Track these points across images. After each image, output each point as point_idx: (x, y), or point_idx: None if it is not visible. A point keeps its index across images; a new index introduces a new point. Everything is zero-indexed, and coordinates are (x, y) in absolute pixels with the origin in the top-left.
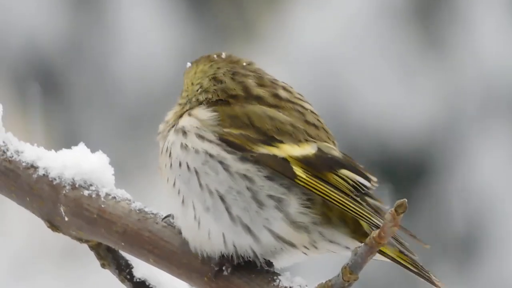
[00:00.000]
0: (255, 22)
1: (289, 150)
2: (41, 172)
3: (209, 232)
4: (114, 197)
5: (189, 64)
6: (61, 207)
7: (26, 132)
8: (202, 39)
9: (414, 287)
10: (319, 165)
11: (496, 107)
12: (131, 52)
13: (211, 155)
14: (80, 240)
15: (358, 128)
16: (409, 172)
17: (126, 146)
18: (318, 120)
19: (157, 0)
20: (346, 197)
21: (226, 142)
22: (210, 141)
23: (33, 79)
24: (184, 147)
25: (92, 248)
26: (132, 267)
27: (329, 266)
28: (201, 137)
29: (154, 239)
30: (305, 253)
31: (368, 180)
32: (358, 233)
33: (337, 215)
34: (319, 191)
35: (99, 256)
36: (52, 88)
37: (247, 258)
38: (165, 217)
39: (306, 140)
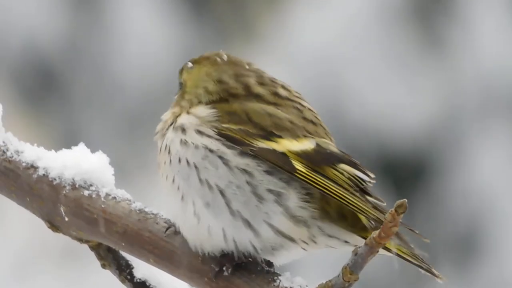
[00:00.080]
0: (255, 22)
1: (288, 145)
2: (41, 172)
3: (209, 227)
4: (114, 197)
5: (190, 64)
6: (61, 207)
7: (26, 132)
8: (202, 39)
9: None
10: (318, 160)
11: (496, 107)
12: (131, 52)
13: (210, 150)
14: (80, 240)
15: (358, 128)
16: (409, 172)
17: (126, 146)
18: (316, 117)
19: (158, 0)
20: (345, 191)
21: (226, 137)
22: (209, 136)
23: (33, 79)
24: (184, 143)
25: (92, 248)
26: (133, 268)
27: (330, 266)
28: (200, 132)
29: (154, 239)
30: (304, 249)
31: (367, 175)
32: (357, 227)
33: (336, 209)
34: (318, 185)
35: (100, 257)
36: (52, 88)
37: (247, 253)
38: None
39: (305, 136)
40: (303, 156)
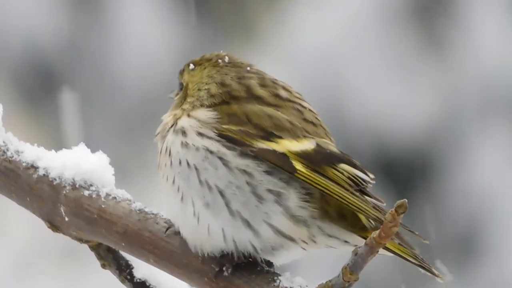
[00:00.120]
0: (255, 22)
1: (288, 145)
2: (41, 172)
3: (208, 228)
4: (115, 197)
5: (191, 65)
6: (61, 207)
7: (26, 132)
8: (202, 39)
9: (413, 287)
10: (318, 160)
11: (496, 107)
12: (131, 52)
13: (211, 151)
14: (81, 240)
15: (357, 127)
16: (409, 172)
17: (127, 146)
18: (316, 118)
19: (157, 0)
20: (345, 191)
21: (226, 138)
22: (210, 138)
23: (33, 79)
24: (185, 145)
25: (92, 248)
26: (133, 268)
27: (329, 267)
28: (200, 134)
29: (154, 239)
30: (304, 248)
31: (366, 175)
32: (357, 226)
33: (336, 209)
34: (318, 185)
35: (100, 257)
36: (52, 88)
37: (247, 253)
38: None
39: (305, 136)
40: (303, 156)
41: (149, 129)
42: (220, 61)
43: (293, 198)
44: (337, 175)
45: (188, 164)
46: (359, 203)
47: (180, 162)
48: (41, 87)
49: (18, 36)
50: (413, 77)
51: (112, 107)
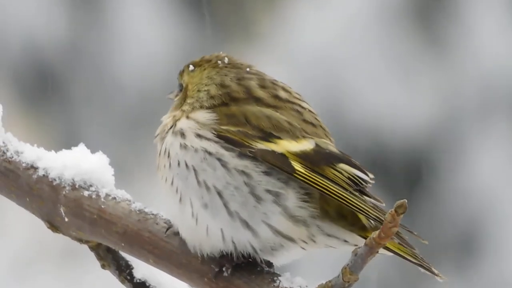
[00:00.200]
0: (255, 22)
1: (287, 145)
2: (41, 172)
3: (207, 228)
4: (114, 198)
5: (191, 66)
6: (61, 208)
7: (26, 132)
8: (202, 39)
9: (413, 287)
10: (317, 160)
11: (496, 107)
12: (131, 52)
13: (209, 153)
14: (80, 240)
15: (357, 127)
16: (408, 172)
17: (126, 146)
18: (315, 118)
19: (157, 0)
20: (344, 191)
21: (224, 139)
22: (208, 139)
23: (33, 80)
24: (183, 146)
25: (92, 248)
26: (132, 268)
27: (329, 267)
28: (199, 136)
29: (154, 239)
30: (303, 248)
31: (366, 175)
32: (356, 226)
33: (335, 209)
34: (317, 185)
35: (99, 257)
36: (52, 89)
37: (247, 254)
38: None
39: (304, 137)
40: (302, 156)
41: (149, 129)
42: (219, 62)
43: (291, 198)
44: (336, 175)
45: (186, 165)
46: (358, 203)
47: (178, 164)
48: (41, 87)
49: (18, 36)
50: (413, 77)
51: (112, 108)
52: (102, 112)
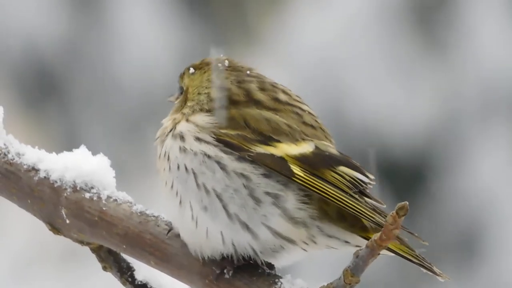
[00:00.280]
0: (255, 24)
1: (286, 149)
2: (42, 174)
3: (207, 231)
4: (115, 200)
5: (192, 69)
6: (62, 210)
7: (27, 134)
8: (202, 41)
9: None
10: (317, 163)
11: (496, 109)
12: (132, 54)
13: (208, 156)
14: (81, 242)
15: (357, 129)
16: (409, 174)
17: (128, 148)
18: (315, 120)
19: (157, 1)
20: (344, 194)
21: (224, 143)
22: (208, 143)
23: (33, 81)
24: (183, 150)
25: (93, 250)
26: (134, 270)
27: (331, 269)
28: (198, 139)
29: (155, 241)
30: (304, 249)
31: (366, 177)
32: (357, 226)
33: (335, 209)
34: (316, 188)
35: (101, 259)
36: (53, 90)
37: (247, 256)
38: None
39: (303, 139)
40: (301, 159)
41: (150, 131)
42: (220, 65)
43: (291, 200)
44: (336, 178)
45: (186, 168)
46: (358, 207)
47: (178, 167)
48: (41, 89)
49: (18, 38)
50: (413, 79)
51: (113, 109)
52: (103, 113)
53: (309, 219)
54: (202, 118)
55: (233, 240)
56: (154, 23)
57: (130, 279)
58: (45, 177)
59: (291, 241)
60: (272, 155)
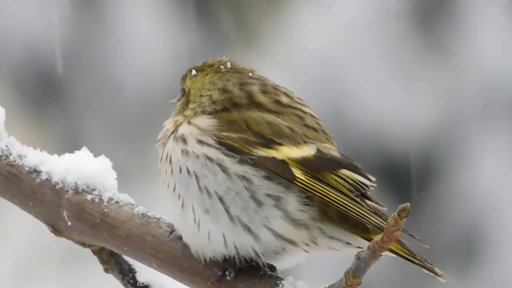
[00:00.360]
0: (256, 26)
1: (288, 152)
2: (44, 176)
3: (209, 233)
4: (117, 202)
5: (194, 71)
6: (64, 212)
7: (28, 136)
8: (203, 43)
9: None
10: (318, 166)
11: (497, 110)
12: (133, 56)
13: (210, 159)
14: (83, 244)
15: (359, 131)
16: (410, 175)
17: (129, 150)
18: (317, 123)
19: (158, 4)
20: (345, 198)
21: (225, 146)
22: (209, 145)
23: (35, 83)
24: (185, 152)
25: (95, 252)
26: (135, 272)
27: (332, 271)
28: (200, 142)
29: (157, 243)
30: (306, 251)
31: (368, 179)
32: (358, 228)
33: (336, 211)
34: (318, 192)
35: (102, 261)
36: (54, 92)
37: (249, 258)
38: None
39: (305, 142)
40: (303, 163)
41: (152, 133)
42: (222, 67)
43: (292, 202)
44: (337, 181)
45: (188, 171)
46: (359, 210)
47: (180, 170)
48: (43, 91)
49: (18, 39)
50: (414, 80)
51: (115, 111)
52: (104, 115)
53: (311, 220)
54: (204, 121)
55: (235, 242)
56: (155, 24)
57: (131, 281)
58: (46, 179)
59: (292, 242)
60: (273, 158)
